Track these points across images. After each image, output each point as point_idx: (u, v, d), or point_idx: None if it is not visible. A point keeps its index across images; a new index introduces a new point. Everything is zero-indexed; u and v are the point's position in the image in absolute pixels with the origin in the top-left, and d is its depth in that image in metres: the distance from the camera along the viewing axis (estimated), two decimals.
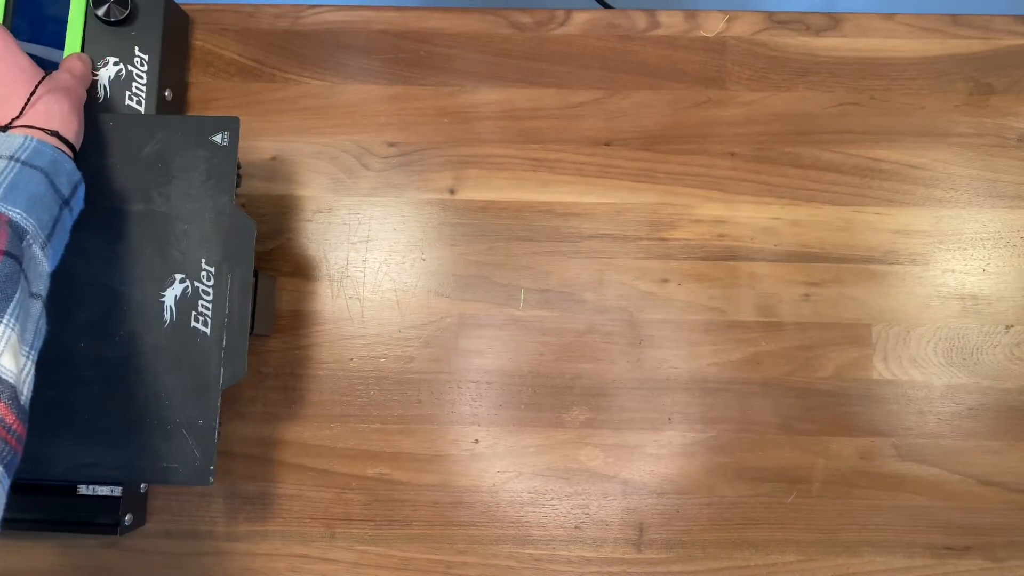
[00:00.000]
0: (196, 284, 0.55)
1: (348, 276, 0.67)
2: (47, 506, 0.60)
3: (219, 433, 0.55)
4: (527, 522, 0.65)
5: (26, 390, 0.41)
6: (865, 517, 0.65)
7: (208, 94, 0.69)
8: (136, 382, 0.54)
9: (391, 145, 0.69)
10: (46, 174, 0.48)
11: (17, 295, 0.41)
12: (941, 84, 0.69)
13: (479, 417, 0.66)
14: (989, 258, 0.67)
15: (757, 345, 0.66)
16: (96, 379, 0.54)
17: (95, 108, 0.61)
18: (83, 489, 0.60)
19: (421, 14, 0.70)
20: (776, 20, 0.70)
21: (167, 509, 0.65)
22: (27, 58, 0.53)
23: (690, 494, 0.65)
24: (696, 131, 0.68)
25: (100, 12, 0.61)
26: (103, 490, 0.60)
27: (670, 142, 0.68)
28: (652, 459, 0.65)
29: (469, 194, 0.68)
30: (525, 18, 0.70)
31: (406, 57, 0.69)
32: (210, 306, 0.55)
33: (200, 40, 0.70)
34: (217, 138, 0.56)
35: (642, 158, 0.68)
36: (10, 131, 0.49)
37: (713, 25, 0.70)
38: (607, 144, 0.68)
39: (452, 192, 0.68)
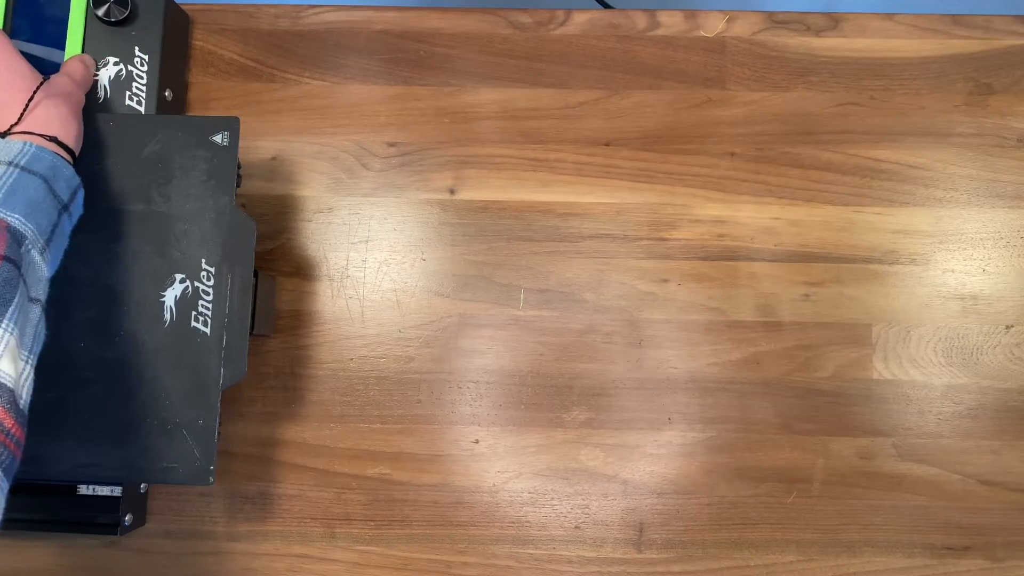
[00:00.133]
0: (196, 284, 0.55)
1: (348, 276, 0.67)
2: (47, 506, 0.60)
3: (219, 433, 0.55)
4: (527, 522, 0.65)
5: (25, 394, 0.41)
6: (865, 517, 0.65)
7: (208, 94, 0.69)
8: (136, 382, 0.54)
9: (391, 145, 0.69)
10: (45, 179, 0.48)
11: (16, 300, 0.41)
12: (941, 84, 0.69)
13: (479, 417, 0.66)
14: (989, 258, 0.67)
15: (757, 345, 0.66)
16: (96, 379, 0.54)
17: (95, 108, 0.61)
18: (83, 489, 0.60)
19: (421, 14, 0.70)
20: (776, 20, 0.70)
21: (167, 509, 0.65)
22: (25, 63, 0.53)
23: (690, 494, 0.65)
24: (696, 131, 0.68)
25: (100, 12, 0.61)
26: (103, 490, 0.60)
27: (670, 142, 0.68)
28: (652, 459, 0.65)
29: (469, 194, 0.68)
30: (525, 18, 0.70)
31: (406, 57, 0.69)
32: (210, 306, 0.55)
33: (200, 40, 0.70)
34: (217, 138, 0.56)
35: (642, 158, 0.68)
36: (9, 137, 0.49)
37: (713, 25, 0.70)
38: (607, 144, 0.68)
39: (452, 192, 0.68)
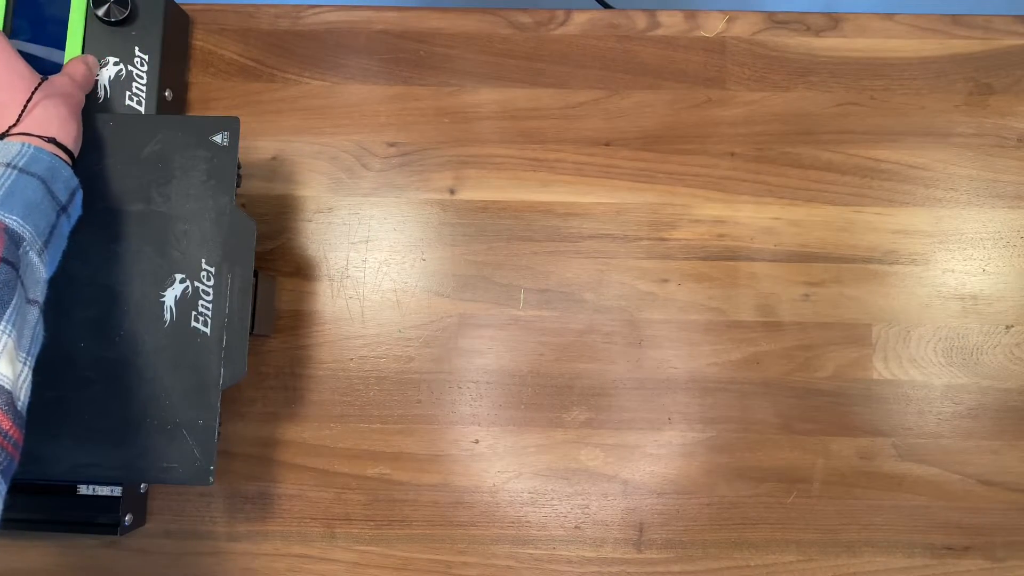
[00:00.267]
0: (196, 284, 0.55)
1: (348, 276, 0.67)
2: (47, 506, 0.60)
3: (219, 433, 0.55)
4: (527, 522, 0.65)
5: (23, 396, 0.41)
6: (865, 517, 0.65)
7: (208, 94, 0.69)
8: (136, 382, 0.54)
9: (391, 145, 0.69)
10: (43, 181, 0.48)
11: (14, 301, 0.41)
12: (941, 84, 0.69)
13: (479, 417, 0.66)
14: (989, 258, 0.67)
15: (757, 345, 0.66)
16: (96, 379, 0.54)
17: (95, 108, 0.61)
18: (83, 489, 0.60)
19: (421, 14, 0.70)
20: (776, 20, 0.70)
21: (167, 509, 0.65)
22: (24, 63, 0.53)
23: (690, 494, 0.65)
24: (696, 131, 0.68)
25: (100, 12, 0.61)
26: (103, 490, 0.60)
27: (670, 142, 0.68)
28: (652, 459, 0.65)
29: (469, 194, 0.68)
30: (525, 18, 0.70)
31: (406, 57, 0.69)
32: (210, 306, 0.55)
33: (200, 40, 0.70)
34: (217, 138, 0.56)
35: (642, 158, 0.68)
36: (7, 138, 0.49)
37: (713, 25, 0.70)
38: (607, 144, 0.68)
39: (452, 192, 0.68)
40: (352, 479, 0.65)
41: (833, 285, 0.66)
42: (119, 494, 0.60)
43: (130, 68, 0.62)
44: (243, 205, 0.68)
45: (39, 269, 0.46)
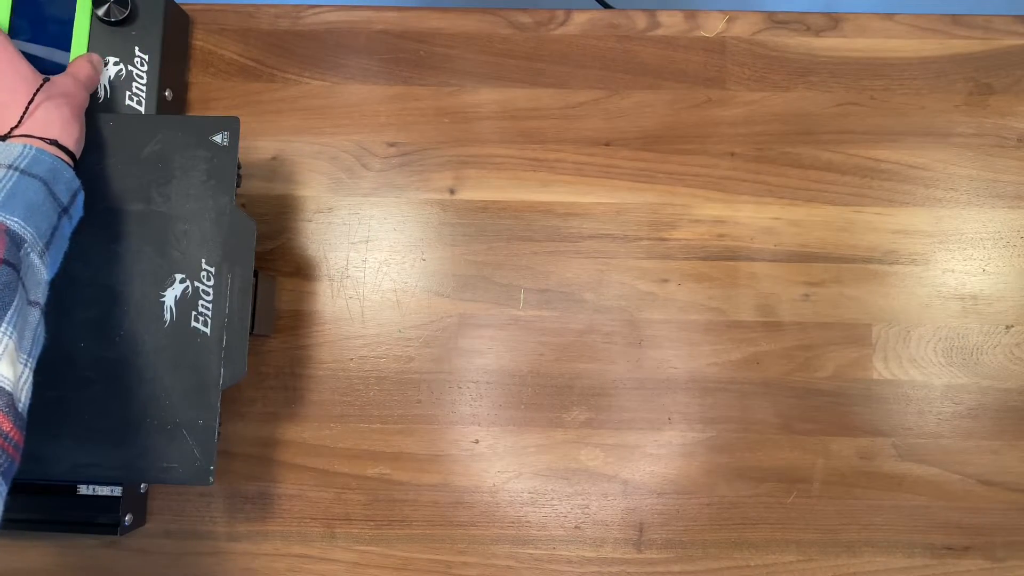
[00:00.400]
0: (196, 284, 0.55)
1: (348, 276, 0.67)
2: (47, 506, 0.60)
3: (219, 433, 0.55)
4: (527, 522, 0.65)
5: (24, 398, 0.41)
6: (865, 517, 0.65)
7: (208, 94, 0.69)
8: (136, 382, 0.54)
9: (391, 145, 0.69)
10: (45, 182, 0.48)
11: (15, 303, 0.41)
12: (941, 84, 0.69)
13: (479, 417, 0.66)
14: (989, 258, 0.67)
15: (757, 345, 0.66)
16: (96, 379, 0.54)
17: (95, 108, 0.61)
18: (83, 489, 0.60)
19: (421, 14, 0.70)
20: (776, 20, 0.70)
21: (167, 509, 0.65)
22: (27, 64, 0.53)
23: (690, 494, 0.65)
24: (696, 131, 0.68)
25: (100, 12, 0.61)
26: (103, 490, 0.60)
27: (670, 142, 0.68)
28: (652, 459, 0.65)
29: (469, 194, 0.68)
30: (525, 18, 0.70)
31: (406, 57, 0.70)
32: (210, 306, 0.55)
33: (200, 40, 0.70)
34: (217, 138, 0.56)
35: (642, 158, 0.68)
36: (9, 140, 0.49)
37: (713, 25, 0.70)
38: (607, 144, 0.68)
39: (452, 192, 0.68)
40: (352, 479, 0.65)
41: (833, 285, 0.66)
42: (119, 494, 0.60)
43: (130, 68, 0.62)
44: (243, 205, 0.68)
45: (40, 271, 0.46)
